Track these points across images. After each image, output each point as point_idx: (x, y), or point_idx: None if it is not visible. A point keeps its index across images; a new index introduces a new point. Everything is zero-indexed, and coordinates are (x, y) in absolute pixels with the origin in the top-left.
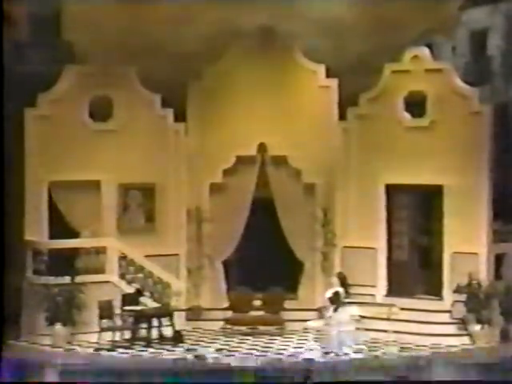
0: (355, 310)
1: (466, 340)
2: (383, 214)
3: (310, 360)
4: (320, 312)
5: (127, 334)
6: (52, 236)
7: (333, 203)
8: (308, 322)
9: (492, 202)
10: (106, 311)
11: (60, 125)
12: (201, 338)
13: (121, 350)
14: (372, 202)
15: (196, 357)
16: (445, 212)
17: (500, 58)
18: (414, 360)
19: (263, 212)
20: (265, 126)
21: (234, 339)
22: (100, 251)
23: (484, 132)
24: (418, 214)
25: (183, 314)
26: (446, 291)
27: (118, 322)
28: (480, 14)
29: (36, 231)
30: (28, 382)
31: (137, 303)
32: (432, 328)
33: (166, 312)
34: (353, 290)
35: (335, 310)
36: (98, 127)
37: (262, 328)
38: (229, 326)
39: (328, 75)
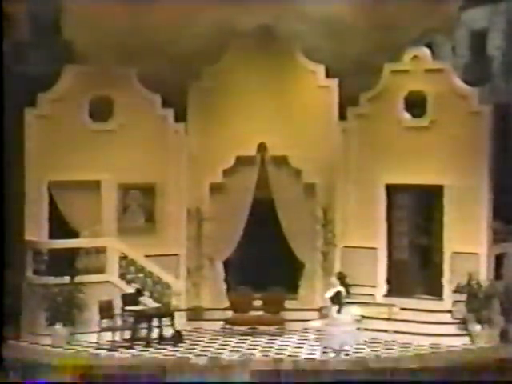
0: (356, 310)
1: (466, 340)
2: (383, 214)
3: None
4: (320, 312)
5: (127, 334)
6: (52, 236)
7: (333, 203)
8: (308, 322)
9: (492, 202)
10: (106, 311)
11: (60, 125)
12: (201, 338)
13: (121, 350)
14: (372, 202)
15: None
16: (445, 212)
17: (500, 58)
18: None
19: (263, 212)
20: (265, 125)
21: (234, 339)
22: (100, 251)
23: (484, 132)
24: (417, 213)
25: (183, 314)
26: (446, 291)
27: (118, 322)
28: (480, 14)
29: (36, 231)
30: (28, 382)
31: (137, 303)
32: (432, 328)
33: (166, 312)
34: (353, 290)
35: (338, 310)
36: (98, 127)
37: (261, 328)
38: (229, 326)
39: (328, 75)
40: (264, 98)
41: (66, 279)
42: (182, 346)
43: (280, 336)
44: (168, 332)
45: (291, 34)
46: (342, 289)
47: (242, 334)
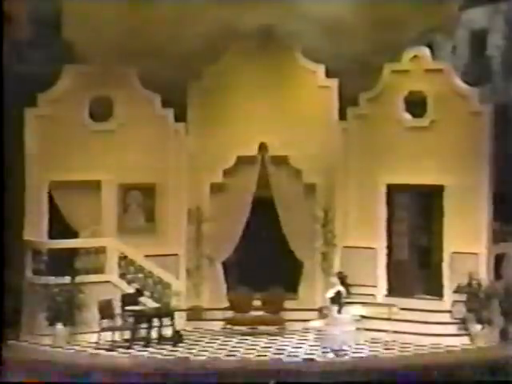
0: (359, 310)
1: (466, 340)
2: (383, 214)
3: (310, 360)
4: (320, 312)
5: (127, 334)
6: (52, 236)
7: (333, 203)
8: (308, 322)
9: (492, 202)
10: (106, 311)
11: (60, 125)
12: (201, 338)
13: (121, 350)
14: (372, 202)
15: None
16: (445, 212)
17: (500, 58)
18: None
19: (263, 212)
20: (265, 125)
21: (234, 339)
22: (100, 251)
23: (484, 132)
24: (417, 213)
25: (183, 313)
26: (446, 291)
27: (118, 321)
28: (480, 14)
29: (36, 231)
30: (28, 381)
31: (137, 303)
32: (432, 328)
33: (165, 312)
34: (353, 290)
35: (338, 310)
36: (98, 127)
37: (261, 328)
38: (229, 326)
39: (328, 75)
40: (264, 97)
41: (66, 279)
42: (181, 346)
43: (280, 336)
44: (168, 332)
45: (291, 34)
46: (342, 289)
47: (241, 334)
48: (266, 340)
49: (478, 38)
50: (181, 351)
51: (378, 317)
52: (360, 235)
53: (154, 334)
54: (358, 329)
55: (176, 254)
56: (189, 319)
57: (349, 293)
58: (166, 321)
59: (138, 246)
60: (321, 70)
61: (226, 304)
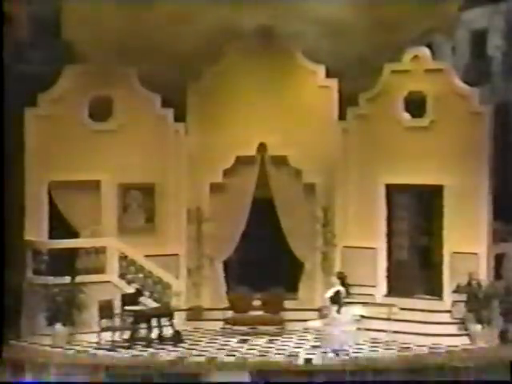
0: (358, 310)
1: (466, 340)
2: (383, 214)
3: (310, 360)
4: (320, 312)
5: (127, 334)
6: (52, 236)
7: (333, 203)
8: (308, 322)
9: (492, 202)
10: (106, 311)
11: (60, 125)
12: (200, 338)
13: (121, 350)
14: (372, 202)
15: None
16: (445, 212)
17: (500, 58)
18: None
19: (263, 212)
20: (265, 125)
21: (234, 339)
22: (100, 251)
23: (484, 132)
24: (417, 213)
25: (183, 313)
26: (446, 291)
27: (118, 322)
28: (480, 13)
29: (36, 231)
30: (28, 382)
31: (137, 303)
32: (432, 328)
33: (165, 312)
34: (353, 290)
35: (338, 310)
36: (98, 127)
37: (261, 328)
38: (229, 326)
39: (328, 75)
40: (264, 97)
41: (66, 279)
42: (181, 346)
43: (280, 336)
44: (168, 332)
45: (291, 34)
46: (341, 288)
47: (241, 334)
48: (265, 340)
49: (478, 38)
50: (181, 351)
51: (377, 317)
52: (360, 235)
53: (154, 333)
54: (358, 329)
55: (176, 254)
56: (189, 319)
57: (349, 293)
58: (166, 321)
59: (138, 246)
60: (321, 70)
61: (226, 304)
